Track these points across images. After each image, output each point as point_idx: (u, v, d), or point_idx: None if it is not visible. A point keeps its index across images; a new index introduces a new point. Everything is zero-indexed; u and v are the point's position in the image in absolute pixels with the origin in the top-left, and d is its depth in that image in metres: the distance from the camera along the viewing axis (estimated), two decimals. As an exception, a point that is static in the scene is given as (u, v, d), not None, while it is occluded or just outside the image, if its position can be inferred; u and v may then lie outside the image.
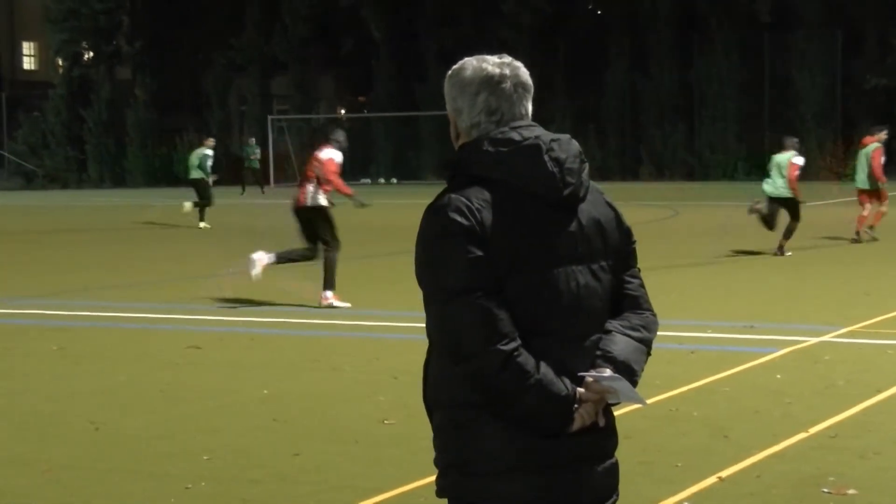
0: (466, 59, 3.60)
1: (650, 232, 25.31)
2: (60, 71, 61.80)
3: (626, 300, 3.62)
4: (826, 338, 11.84)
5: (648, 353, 3.60)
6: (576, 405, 3.41)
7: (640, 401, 3.47)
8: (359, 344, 12.12)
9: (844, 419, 8.50)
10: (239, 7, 59.28)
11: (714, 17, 51.91)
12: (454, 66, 3.60)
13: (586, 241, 3.50)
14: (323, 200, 14.76)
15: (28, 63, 76.96)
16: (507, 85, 3.53)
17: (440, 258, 3.39)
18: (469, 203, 3.39)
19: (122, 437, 8.38)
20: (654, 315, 3.66)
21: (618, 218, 3.63)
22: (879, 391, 9.33)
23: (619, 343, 3.51)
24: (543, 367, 3.37)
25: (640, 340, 3.56)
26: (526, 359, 3.34)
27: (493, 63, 3.54)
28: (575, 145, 3.54)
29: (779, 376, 10.01)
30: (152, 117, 59.66)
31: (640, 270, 3.70)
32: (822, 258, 19.44)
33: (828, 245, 21.37)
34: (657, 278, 16.54)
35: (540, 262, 3.42)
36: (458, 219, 3.37)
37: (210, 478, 7.30)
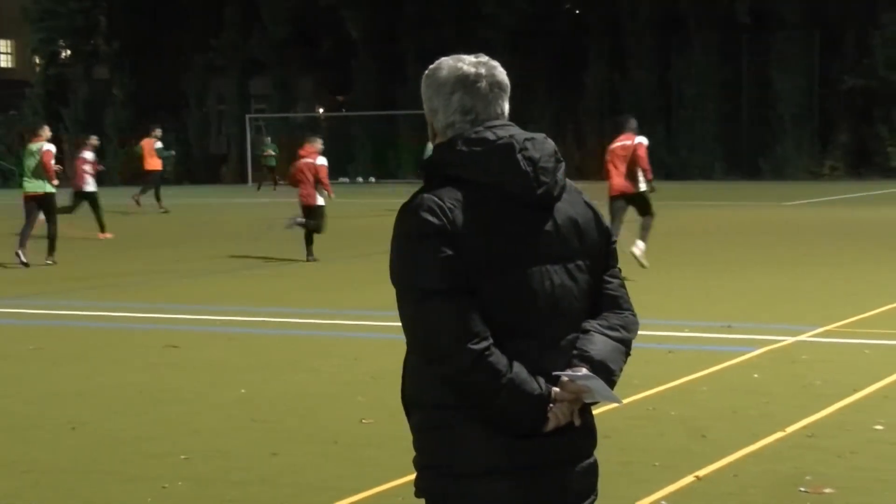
0: (443, 58, 3.60)
1: (628, 232, 25.34)
2: (38, 70, 61.59)
3: (605, 300, 3.61)
4: (803, 337, 11.88)
5: (628, 354, 3.59)
6: (550, 405, 3.41)
7: (616, 400, 3.48)
8: (338, 344, 12.12)
9: (822, 418, 8.53)
10: (218, 8, 59.15)
11: (693, 17, 52.02)
12: (431, 66, 3.60)
13: (562, 241, 3.51)
14: (643, 185, 17.50)
15: (5, 61, 76.56)
16: (483, 84, 3.52)
17: (412, 258, 3.40)
18: (441, 203, 3.41)
19: (100, 437, 8.37)
20: (635, 315, 3.66)
21: (597, 218, 3.63)
22: (856, 390, 9.37)
23: (597, 343, 3.51)
24: (516, 367, 3.37)
25: (618, 340, 3.56)
26: (497, 358, 3.35)
27: (468, 62, 3.54)
28: (550, 144, 3.54)
29: (756, 376, 10.05)
30: (130, 117, 59.47)
31: (620, 270, 3.70)
32: (799, 258, 19.51)
33: (804, 244, 21.44)
34: (636, 278, 16.56)
35: (514, 263, 3.43)
36: (430, 218, 3.38)
37: (189, 478, 7.30)
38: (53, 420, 8.91)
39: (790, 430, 8.19)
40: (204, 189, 50.67)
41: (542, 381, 3.40)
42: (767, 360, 10.78)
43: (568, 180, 3.60)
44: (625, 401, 8.89)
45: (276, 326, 13.23)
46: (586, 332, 3.53)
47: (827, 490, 6.83)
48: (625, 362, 3.58)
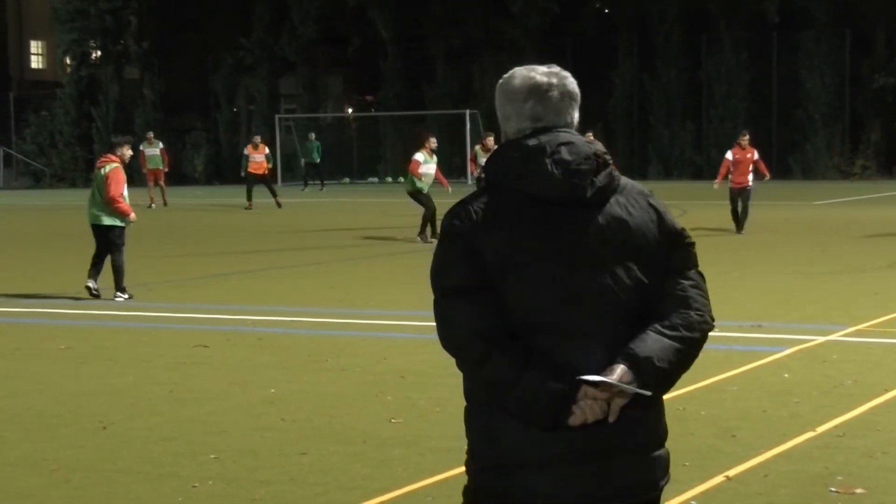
0: (515, 68, 3.75)
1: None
2: (69, 70, 61.84)
3: (670, 301, 3.61)
4: (833, 337, 11.83)
5: (689, 352, 3.58)
6: (578, 400, 3.44)
7: (644, 393, 3.46)
8: (366, 344, 12.13)
9: (852, 418, 8.49)
10: (247, 7, 59.28)
11: (722, 16, 51.80)
12: (504, 76, 3.75)
13: (602, 242, 3.56)
14: None
15: (36, 62, 76.99)
16: (555, 94, 3.67)
17: (438, 259, 3.62)
18: (470, 207, 3.58)
19: (129, 437, 8.40)
20: (702, 315, 3.61)
21: (660, 219, 3.67)
22: (887, 390, 9.33)
23: (647, 341, 3.52)
24: (533, 364, 3.45)
25: (675, 339, 3.54)
26: (509, 355, 3.46)
27: (541, 73, 3.70)
28: (588, 148, 3.61)
29: (786, 375, 10.01)
30: (160, 117, 59.67)
31: (695, 272, 3.69)
32: (829, 257, 19.42)
33: (834, 244, 21.34)
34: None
35: (542, 261, 3.52)
36: (455, 222, 3.58)
37: (218, 478, 7.32)
38: (83, 419, 8.95)
39: (820, 430, 8.16)
40: (233, 189, 50.78)
41: (564, 377, 3.44)
42: (797, 359, 10.73)
43: (630, 182, 3.69)
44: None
45: (305, 326, 13.25)
46: (643, 332, 3.54)
47: (857, 490, 6.79)
48: (683, 359, 3.56)
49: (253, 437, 8.29)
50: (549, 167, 3.54)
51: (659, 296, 3.61)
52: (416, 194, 23.64)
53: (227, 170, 58.98)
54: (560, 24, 53.58)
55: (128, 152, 15.85)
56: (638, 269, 3.59)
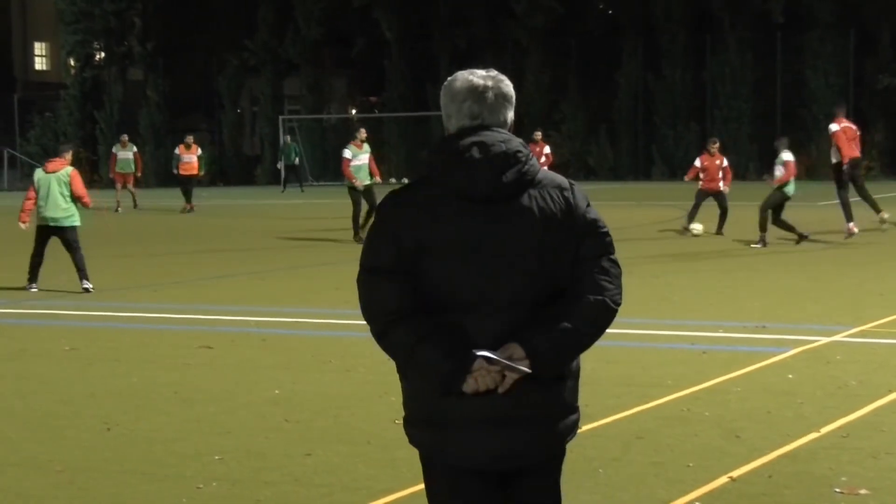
0: (458, 72, 4.11)
1: (662, 232, 25.33)
2: (73, 72, 61.85)
3: (573, 287, 3.96)
4: (838, 338, 11.82)
5: (585, 334, 3.93)
6: (474, 371, 3.81)
7: (521, 372, 3.82)
8: (371, 344, 12.06)
9: (856, 419, 8.49)
10: (251, 8, 59.29)
11: (727, 17, 51.77)
12: (448, 78, 4.12)
13: (509, 234, 3.88)
14: None
15: (40, 64, 77.03)
16: (490, 95, 4.02)
17: (368, 238, 4.03)
18: (402, 196, 3.99)
19: (134, 438, 8.41)
20: (601, 300, 3.93)
21: (571, 210, 3.97)
22: (891, 391, 9.33)
23: (542, 324, 3.87)
24: (430, 338, 3.85)
25: (570, 321, 3.90)
26: (410, 329, 3.88)
27: (479, 76, 4.06)
28: (500, 147, 3.93)
29: (790, 376, 10.01)
30: (164, 118, 59.69)
31: (607, 259, 3.98)
32: (833, 257, 19.41)
33: (839, 244, 21.32)
34: (669, 278, 16.53)
35: (457, 252, 3.87)
36: (388, 209, 3.97)
37: (223, 479, 7.32)
38: (88, 420, 8.96)
39: (825, 430, 8.16)
40: (237, 190, 50.82)
41: (460, 351, 3.82)
42: (801, 360, 10.73)
43: (549, 176, 4.03)
44: (658, 401, 8.88)
45: (309, 327, 13.26)
46: (543, 315, 3.90)
47: (862, 491, 6.80)
48: (578, 340, 3.93)
49: (258, 438, 8.30)
50: (459, 165, 3.89)
51: (567, 281, 3.94)
52: (350, 191, 23.99)
53: (231, 171, 58.99)
54: (565, 24, 53.54)
55: (70, 157, 18.11)
56: (545, 258, 3.92)
